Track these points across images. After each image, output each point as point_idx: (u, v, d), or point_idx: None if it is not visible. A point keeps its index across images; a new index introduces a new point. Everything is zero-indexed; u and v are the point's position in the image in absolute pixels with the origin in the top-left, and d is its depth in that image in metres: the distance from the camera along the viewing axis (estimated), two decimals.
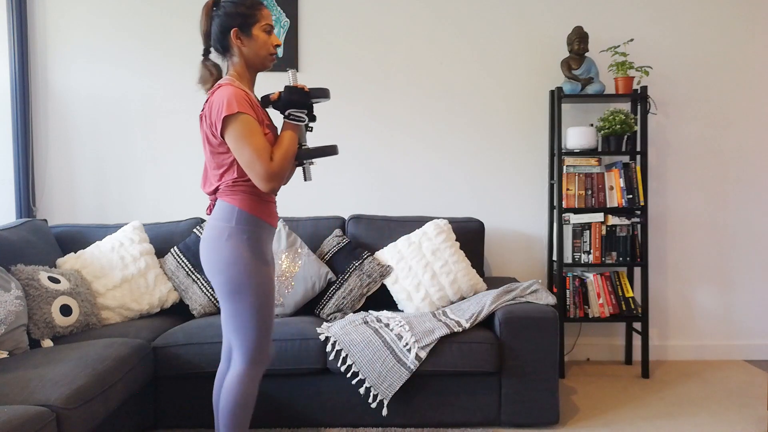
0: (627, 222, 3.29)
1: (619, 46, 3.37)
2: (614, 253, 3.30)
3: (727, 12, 3.55)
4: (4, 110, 3.42)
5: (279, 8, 3.49)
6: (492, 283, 3.16)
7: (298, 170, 2.10)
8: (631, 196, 3.28)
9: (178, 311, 3.06)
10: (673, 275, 3.62)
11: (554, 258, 3.39)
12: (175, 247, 3.10)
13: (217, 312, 2.96)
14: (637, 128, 3.30)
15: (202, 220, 3.27)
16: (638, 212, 3.31)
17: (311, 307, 3.00)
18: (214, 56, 1.98)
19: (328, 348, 2.58)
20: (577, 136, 3.28)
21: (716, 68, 3.57)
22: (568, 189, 3.30)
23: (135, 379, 2.36)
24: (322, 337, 2.61)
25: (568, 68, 3.35)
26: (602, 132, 3.29)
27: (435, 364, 2.54)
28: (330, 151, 1.98)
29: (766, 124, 3.59)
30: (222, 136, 1.83)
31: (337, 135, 3.52)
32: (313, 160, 2.00)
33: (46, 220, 3.18)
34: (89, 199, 3.54)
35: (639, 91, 3.29)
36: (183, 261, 3.05)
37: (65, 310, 2.61)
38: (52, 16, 3.49)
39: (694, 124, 3.59)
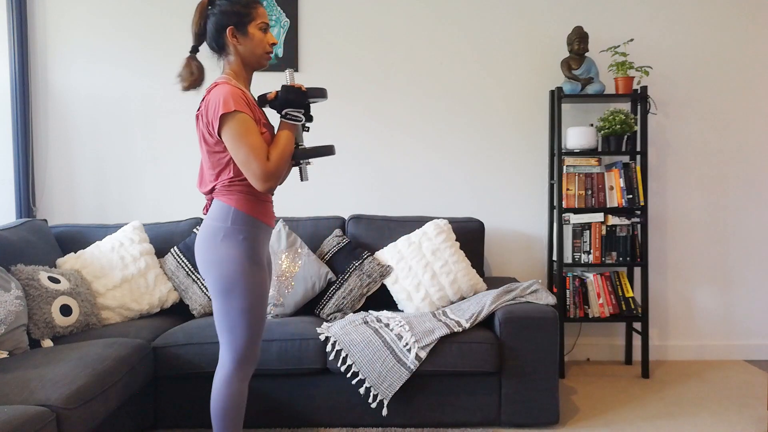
0: (627, 222, 3.29)
1: (619, 46, 3.37)
2: (614, 253, 3.30)
3: (727, 12, 3.55)
4: (4, 110, 3.42)
5: (279, 8, 3.49)
6: (492, 283, 3.16)
7: (294, 170, 2.09)
8: (631, 196, 3.28)
9: (178, 311, 3.06)
10: (673, 275, 3.62)
11: (554, 258, 3.39)
12: (175, 247, 3.10)
13: None
14: (637, 128, 3.30)
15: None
16: (638, 212, 3.31)
17: (311, 307, 3.00)
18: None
19: (328, 348, 2.58)
20: (577, 136, 3.28)
21: (716, 68, 3.57)
22: (568, 189, 3.30)
23: (135, 379, 2.36)
24: (322, 337, 2.61)
25: (568, 68, 3.35)
26: (602, 132, 3.29)
27: (435, 364, 2.54)
28: (327, 151, 1.97)
29: (766, 124, 3.59)
30: (218, 134, 1.82)
31: (337, 135, 3.53)
32: (310, 160, 2.00)
33: (46, 220, 3.18)
34: (89, 199, 3.54)
35: (639, 91, 3.29)
36: (183, 261, 3.05)
37: (65, 310, 2.61)
38: (52, 16, 3.49)
39: (694, 124, 3.59)
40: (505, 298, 2.75)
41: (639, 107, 3.30)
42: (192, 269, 3.04)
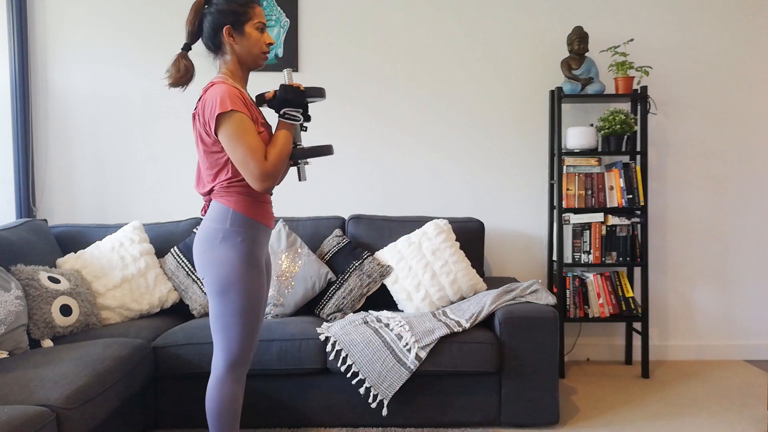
0: (627, 222, 3.29)
1: (619, 46, 3.37)
2: (614, 253, 3.30)
3: (727, 12, 3.55)
4: (4, 110, 3.42)
5: (279, 8, 3.49)
6: (492, 283, 3.17)
7: (292, 170, 2.08)
8: (631, 196, 3.28)
9: (178, 311, 3.06)
10: (673, 275, 3.62)
11: (554, 258, 3.39)
12: (175, 247, 3.10)
13: None
14: (637, 128, 3.30)
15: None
16: (638, 212, 3.31)
17: (311, 307, 3.00)
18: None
19: (328, 348, 2.58)
20: (577, 136, 3.28)
21: (716, 68, 3.57)
22: (568, 189, 3.30)
23: (135, 379, 2.36)
24: (322, 337, 2.61)
25: (568, 68, 3.35)
26: (602, 132, 3.29)
27: (435, 364, 2.54)
28: (325, 151, 1.97)
29: (766, 124, 3.59)
30: (216, 134, 1.81)
31: (337, 135, 3.53)
32: (308, 160, 1.99)
33: (46, 220, 3.18)
34: (89, 199, 3.54)
35: (639, 91, 3.29)
36: (183, 261, 3.05)
37: (65, 310, 2.61)
38: (52, 16, 3.49)
39: (694, 124, 3.59)
40: (505, 298, 2.75)
41: (639, 107, 3.30)
42: (192, 269, 3.04)
